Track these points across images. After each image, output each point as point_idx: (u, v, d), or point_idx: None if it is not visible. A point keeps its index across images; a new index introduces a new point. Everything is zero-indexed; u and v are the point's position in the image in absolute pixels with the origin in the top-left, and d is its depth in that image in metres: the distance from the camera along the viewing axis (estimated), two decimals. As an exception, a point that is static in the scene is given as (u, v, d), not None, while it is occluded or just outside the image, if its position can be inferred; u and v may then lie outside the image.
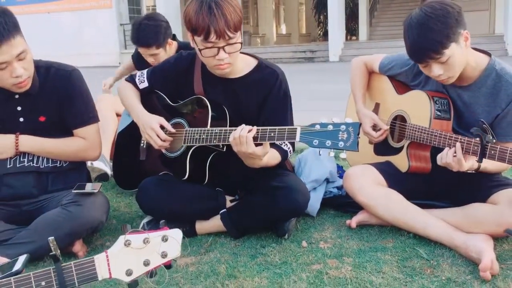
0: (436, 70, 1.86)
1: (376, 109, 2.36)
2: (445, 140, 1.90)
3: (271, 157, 1.99)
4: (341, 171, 2.57)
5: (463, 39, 1.84)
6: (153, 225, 2.10)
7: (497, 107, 1.93)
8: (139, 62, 3.35)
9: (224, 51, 1.90)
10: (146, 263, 1.21)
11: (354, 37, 21.08)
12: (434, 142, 1.95)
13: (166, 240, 1.22)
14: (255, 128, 1.81)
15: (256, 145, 1.81)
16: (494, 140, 1.73)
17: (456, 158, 1.80)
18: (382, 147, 2.28)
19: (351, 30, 22.00)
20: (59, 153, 2.08)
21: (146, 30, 2.94)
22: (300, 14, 27.57)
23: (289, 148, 2.07)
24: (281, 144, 2.04)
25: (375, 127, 2.22)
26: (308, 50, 16.92)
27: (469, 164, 1.82)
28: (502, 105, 1.92)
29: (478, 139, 1.76)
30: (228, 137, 1.89)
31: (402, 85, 2.24)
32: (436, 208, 2.09)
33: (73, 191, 1.99)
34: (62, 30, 17.97)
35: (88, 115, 2.11)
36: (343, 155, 1.73)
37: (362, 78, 2.39)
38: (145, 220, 2.17)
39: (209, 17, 1.83)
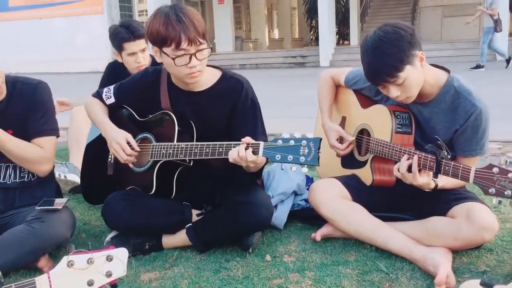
0: (393, 92, 1.89)
1: (342, 123, 2.39)
2: (404, 155, 1.92)
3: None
4: (310, 182, 2.59)
5: (418, 60, 1.87)
6: (118, 241, 2.12)
7: (455, 123, 1.96)
8: (113, 73, 3.33)
9: (196, 58, 1.94)
10: (90, 283, 1.22)
11: (346, 42, 21.15)
12: (395, 157, 1.98)
13: (111, 259, 1.24)
14: (248, 145, 1.81)
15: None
16: (449, 156, 1.76)
17: (412, 171, 1.83)
18: (348, 160, 2.31)
19: (343, 34, 22.10)
20: (18, 154, 2.05)
21: (134, 24, 3.00)
22: (293, 18, 27.65)
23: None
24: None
25: (341, 140, 2.24)
26: (299, 55, 16.97)
27: (425, 180, 1.84)
28: (461, 121, 1.94)
29: (433, 155, 1.79)
30: (195, 152, 1.92)
31: (366, 99, 2.27)
32: (399, 220, 2.12)
33: (37, 207, 2.01)
34: (54, 36, 17.93)
35: (49, 127, 2.12)
36: (304, 169, 1.77)
37: (328, 92, 2.41)
38: (110, 235, 2.18)
39: (180, 25, 1.88)
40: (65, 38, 17.85)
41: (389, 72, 1.83)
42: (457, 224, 1.87)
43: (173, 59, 1.93)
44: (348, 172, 2.29)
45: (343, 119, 2.38)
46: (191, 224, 2.14)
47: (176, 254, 2.12)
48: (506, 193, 1.57)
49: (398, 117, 2.04)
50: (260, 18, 24.21)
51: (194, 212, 2.19)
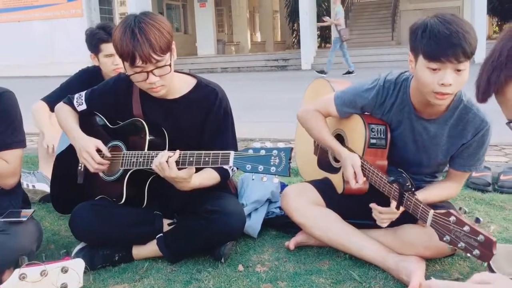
0: (449, 76, 1.67)
1: None
2: (373, 177, 1.91)
3: (206, 178, 1.99)
4: (285, 189, 2.56)
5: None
6: (87, 252, 2.06)
7: (463, 138, 1.89)
8: (87, 80, 3.26)
9: (153, 75, 1.89)
10: (45, 298, 1.18)
11: (328, 45, 21.25)
12: (365, 174, 1.95)
13: (66, 271, 1.19)
14: (177, 152, 1.81)
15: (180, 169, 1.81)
16: (413, 189, 1.72)
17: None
18: (324, 162, 2.29)
19: (325, 38, 22.21)
20: None
21: (112, 26, 2.92)
22: (275, 22, 27.73)
23: (231, 167, 2.06)
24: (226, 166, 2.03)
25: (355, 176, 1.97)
26: (281, 59, 16.99)
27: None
28: (468, 137, 1.88)
29: (397, 186, 1.76)
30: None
31: None
32: (373, 227, 2.10)
33: (0, 219, 1.94)
34: (33, 39, 17.70)
35: (15, 139, 2.03)
36: (276, 180, 1.73)
37: (324, 123, 2.16)
38: (78, 247, 2.12)
39: (133, 42, 1.82)
40: (44, 41, 17.63)
41: (466, 50, 1.63)
42: (428, 233, 1.84)
43: (130, 75, 1.91)
44: (323, 173, 2.27)
45: None
46: (162, 234, 2.09)
47: (146, 265, 2.07)
48: (459, 245, 1.53)
49: (373, 130, 1.98)
50: (242, 21, 24.23)
51: (166, 221, 2.14)
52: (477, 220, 1.53)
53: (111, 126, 2.18)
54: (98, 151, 2.04)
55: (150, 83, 1.90)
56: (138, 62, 1.84)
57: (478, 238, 1.49)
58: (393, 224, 2.03)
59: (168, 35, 1.88)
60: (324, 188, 2.17)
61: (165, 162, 1.79)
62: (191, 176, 1.84)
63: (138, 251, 2.12)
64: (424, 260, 1.89)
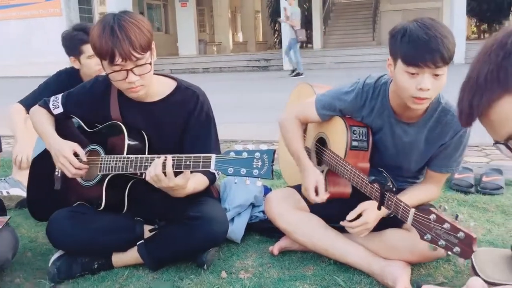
0: (427, 81, 1.66)
1: (304, 127, 2.34)
2: (355, 178, 1.89)
3: (198, 183, 1.94)
4: (268, 193, 2.52)
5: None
6: (65, 260, 2.00)
7: (441, 139, 1.89)
8: (68, 79, 3.19)
9: (133, 73, 1.84)
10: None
11: (309, 45, 21.31)
12: (347, 177, 1.93)
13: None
14: (169, 158, 1.75)
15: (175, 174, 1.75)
16: (394, 189, 1.71)
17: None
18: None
19: (307, 38, 22.23)
20: None
21: (89, 25, 2.83)
22: (257, 22, 27.71)
23: (216, 171, 2.01)
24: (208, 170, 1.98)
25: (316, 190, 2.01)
26: (262, 59, 16.97)
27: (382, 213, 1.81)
28: (446, 138, 1.88)
29: (378, 186, 1.74)
30: (146, 165, 1.83)
31: None
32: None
33: (-26, 228, 1.87)
34: (11, 39, 17.36)
35: None
36: (259, 183, 1.70)
37: (300, 134, 2.16)
38: (56, 255, 2.05)
39: (112, 40, 1.77)
40: (22, 41, 17.31)
41: (444, 55, 1.63)
42: (413, 238, 1.82)
43: (109, 74, 1.85)
44: None
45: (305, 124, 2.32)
46: (143, 241, 2.04)
47: (127, 273, 2.02)
48: (440, 243, 1.52)
49: (355, 132, 1.96)
50: (224, 21, 24.14)
51: (147, 228, 2.09)
52: (456, 217, 1.53)
53: (88, 130, 2.12)
54: (75, 155, 1.98)
55: (130, 82, 1.85)
56: (118, 60, 1.79)
57: (458, 235, 1.48)
58: (378, 228, 2.02)
59: (148, 34, 1.84)
60: (308, 192, 2.14)
61: (161, 173, 1.72)
62: (187, 181, 1.79)
63: (118, 259, 2.06)
64: (409, 265, 1.88)
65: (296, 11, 12.80)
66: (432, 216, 1.54)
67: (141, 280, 1.97)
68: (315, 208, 2.10)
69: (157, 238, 2.02)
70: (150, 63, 1.88)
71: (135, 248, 2.04)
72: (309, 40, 21.76)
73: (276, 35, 23.86)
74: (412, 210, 1.62)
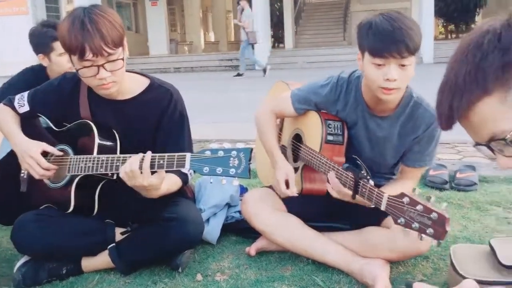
0: (393, 72, 1.68)
1: (281, 124, 2.30)
2: (329, 169, 1.85)
3: (171, 184, 1.87)
4: (244, 193, 2.47)
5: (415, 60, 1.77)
6: (31, 266, 1.90)
7: (413, 133, 1.88)
8: (35, 77, 3.06)
9: (104, 69, 1.76)
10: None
11: (281, 45, 21.36)
12: (321, 169, 1.90)
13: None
14: (148, 155, 1.67)
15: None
16: (368, 177, 1.68)
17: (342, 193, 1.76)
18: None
19: (278, 37, 22.30)
20: None
21: (58, 22, 2.71)
22: (228, 21, 27.60)
23: (189, 171, 1.95)
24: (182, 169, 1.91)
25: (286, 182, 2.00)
26: (234, 58, 16.87)
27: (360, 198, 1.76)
28: (419, 131, 1.87)
29: (352, 174, 1.71)
30: (117, 165, 1.75)
31: None
32: (335, 230, 2.05)
33: None
34: (-26, 38, 16.85)
35: None
36: (235, 182, 1.64)
37: (275, 128, 2.15)
38: (22, 260, 1.95)
39: (83, 34, 1.69)
40: (-14, 40, 16.81)
41: (409, 45, 1.65)
42: (392, 236, 1.81)
43: (78, 69, 1.76)
44: None
45: (281, 121, 2.28)
46: (114, 244, 1.96)
47: (97, 278, 1.93)
48: (413, 225, 1.49)
49: (330, 126, 1.95)
50: (195, 20, 23.99)
51: (118, 230, 2.00)
52: (428, 198, 1.51)
53: (56, 129, 2.02)
54: (44, 154, 1.89)
55: (101, 78, 1.77)
56: (88, 55, 1.70)
57: (431, 216, 1.45)
58: (355, 226, 2.00)
59: (120, 29, 1.76)
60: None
61: (137, 169, 1.64)
62: (162, 181, 1.71)
63: (88, 263, 1.97)
64: (388, 263, 1.85)
65: (248, 13, 12.84)
66: (405, 199, 1.52)
67: (113, 285, 1.89)
68: (292, 208, 2.06)
69: (129, 241, 1.94)
70: (123, 59, 1.80)
71: (106, 251, 1.95)
72: (281, 40, 21.83)
73: (248, 35, 23.82)
74: (386, 195, 1.59)
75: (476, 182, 2.86)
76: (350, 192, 1.72)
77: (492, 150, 0.85)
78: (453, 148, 4.01)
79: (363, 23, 1.76)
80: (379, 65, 1.70)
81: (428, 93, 1.90)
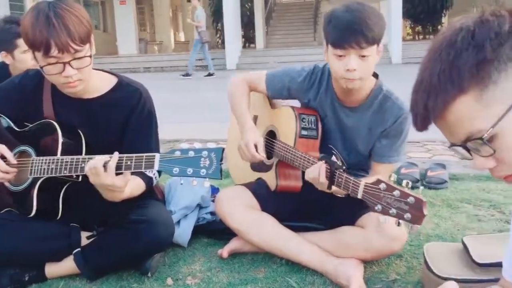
0: (353, 62, 1.71)
1: (255, 121, 2.25)
2: (308, 164, 1.82)
3: (134, 187, 1.80)
4: (216, 193, 2.41)
5: (378, 51, 1.78)
6: (-10, 274, 1.81)
7: (381, 126, 1.89)
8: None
9: (71, 67, 1.67)
10: None
11: (252, 45, 21.34)
12: (297, 163, 1.87)
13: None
14: (116, 155, 1.60)
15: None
16: (344, 167, 1.66)
17: (319, 181, 1.72)
18: (256, 163, 2.18)
19: (249, 38, 22.27)
20: None
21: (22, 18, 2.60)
22: (199, 21, 27.42)
23: (154, 174, 1.89)
24: (151, 171, 1.85)
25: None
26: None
27: (335, 188, 1.74)
28: (387, 124, 1.87)
29: (328, 165, 1.69)
30: (82, 167, 1.67)
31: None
32: (310, 230, 2.02)
33: None
34: None
35: None
36: (206, 183, 1.59)
37: (246, 98, 2.12)
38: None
39: (48, 29, 1.60)
40: None
41: (367, 34, 1.67)
42: (367, 235, 1.80)
43: (43, 66, 1.68)
44: (256, 174, 2.16)
45: (255, 118, 2.24)
46: (79, 249, 1.87)
47: (62, 284, 1.85)
48: (391, 211, 1.47)
49: (304, 120, 1.94)
50: (165, 20, 23.72)
51: (84, 234, 1.92)
52: (407, 184, 1.49)
53: (17, 129, 1.92)
54: (2, 157, 1.79)
55: (66, 76, 1.68)
56: (54, 52, 1.62)
57: (408, 200, 1.44)
58: (330, 226, 1.97)
59: (87, 24, 1.68)
60: (258, 190, 2.07)
61: (101, 167, 1.57)
62: (127, 183, 1.64)
63: (52, 269, 1.89)
64: (362, 263, 1.84)
65: (200, 12, 12.86)
66: (382, 185, 1.50)
67: (78, 291, 1.81)
68: (266, 206, 2.03)
69: (96, 245, 1.87)
70: (90, 56, 1.72)
71: (71, 257, 1.87)
72: (251, 40, 21.81)
73: (218, 35, 23.71)
74: (362, 183, 1.58)
75: (447, 180, 2.88)
76: (327, 182, 1.68)
77: (468, 150, 0.83)
78: (423, 146, 4.05)
79: (326, 14, 1.79)
80: (340, 56, 1.74)
81: (398, 93, 1.90)
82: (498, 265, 1.56)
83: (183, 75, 12.97)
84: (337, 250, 1.86)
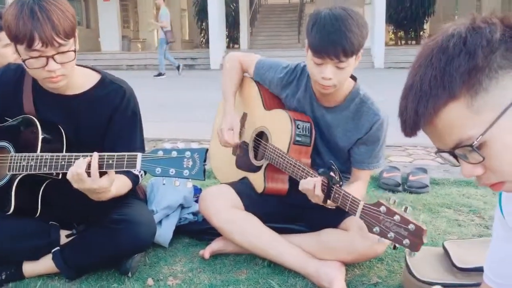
0: (328, 72, 1.73)
1: (243, 119, 2.25)
2: (298, 172, 1.82)
3: (121, 186, 1.77)
4: (198, 194, 2.40)
5: (358, 57, 1.78)
6: (-35, 272, 1.76)
7: (357, 132, 1.89)
8: None
9: (54, 61, 1.64)
10: None
11: (236, 45, 21.32)
12: (289, 170, 1.87)
13: None
14: (96, 155, 1.57)
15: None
16: (340, 183, 1.66)
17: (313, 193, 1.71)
18: (243, 161, 2.17)
19: (233, 38, 22.26)
20: None
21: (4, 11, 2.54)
22: (183, 20, 27.26)
23: (140, 172, 1.86)
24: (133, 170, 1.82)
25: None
26: (188, 57, 16.73)
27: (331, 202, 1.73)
28: (363, 131, 1.88)
29: (326, 179, 1.69)
30: (62, 164, 1.64)
31: (272, 99, 2.13)
32: (293, 232, 2.02)
33: None
34: None
35: None
36: (189, 184, 1.57)
37: (236, 76, 2.20)
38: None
39: (32, 22, 1.56)
40: None
41: (346, 49, 1.68)
42: (350, 238, 1.80)
43: (25, 60, 1.64)
44: (242, 174, 2.15)
45: (244, 115, 2.23)
46: (58, 247, 1.84)
47: (39, 283, 1.81)
48: (389, 235, 1.49)
49: (299, 127, 1.93)
50: (149, 18, 23.48)
51: (63, 233, 1.89)
52: (405, 209, 1.50)
53: (-4, 125, 1.88)
54: None
55: (49, 70, 1.65)
56: (37, 45, 1.58)
57: (409, 227, 1.46)
58: (313, 228, 1.97)
59: (72, 18, 1.65)
60: (243, 190, 2.06)
61: (84, 172, 1.54)
62: (112, 183, 1.62)
63: (30, 268, 1.85)
64: (344, 265, 1.84)
65: (164, 13, 12.83)
66: (382, 208, 1.51)
67: (56, 291, 1.77)
68: (250, 207, 2.02)
69: (76, 244, 1.83)
70: (74, 51, 1.69)
71: (50, 255, 1.84)
72: (236, 40, 21.79)
73: (203, 34, 23.65)
74: (362, 203, 1.58)
75: (428, 184, 2.90)
76: (322, 196, 1.68)
77: (455, 157, 0.82)
78: (404, 151, 4.08)
79: (311, 15, 1.80)
80: (317, 64, 1.76)
81: (380, 96, 1.91)
82: (479, 269, 1.59)
83: (156, 75, 12.93)
84: (320, 252, 1.85)
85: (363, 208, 1.57)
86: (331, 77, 1.74)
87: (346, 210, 1.63)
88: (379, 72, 12.33)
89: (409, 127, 0.83)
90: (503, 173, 0.81)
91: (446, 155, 0.84)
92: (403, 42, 22.32)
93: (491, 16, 0.78)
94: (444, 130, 0.80)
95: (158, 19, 12.90)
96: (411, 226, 1.45)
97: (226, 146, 2.08)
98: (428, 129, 0.82)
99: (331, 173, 1.64)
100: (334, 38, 1.67)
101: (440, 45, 0.79)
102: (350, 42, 1.67)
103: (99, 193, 1.64)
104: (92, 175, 1.56)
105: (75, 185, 1.59)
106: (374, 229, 1.52)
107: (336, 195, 1.65)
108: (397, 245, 1.49)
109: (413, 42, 21.30)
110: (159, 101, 7.58)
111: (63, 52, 1.65)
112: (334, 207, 1.72)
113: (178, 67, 13.03)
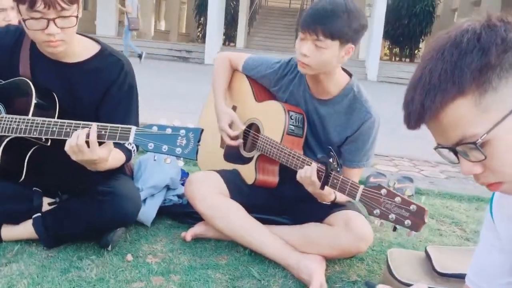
0: (305, 48, 1.75)
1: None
2: (293, 160, 1.82)
3: (116, 158, 1.75)
4: (185, 177, 2.38)
5: (345, 51, 1.77)
6: None
7: (348, 129, 1.90)
8: None
9: (55, 25, 1.61)
10: None
11: (232, 44, 21.29)
12: (283, 160, 1.86)
13: None
14: (94, 126, 1.55)
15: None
16: (338, 169, 1.67)
17: (311, 180, 1.71)
18: (232, 154, 2.16)
19: (230, 36, 22.22)
20: None
21: None
22: (181, 13, 27.20)
23: (133, 147, 1.84)
24: (125, 143, 1.80)
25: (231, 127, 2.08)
26: (184, 50, 16.66)
27: (327, 190, 1.73)
28: (354, 128, 1.88)
29: (323, 165, 1.69)
30: (53, 131, 1.62)
31: (263, 91, 2.13)
32: (277, 223, 2.01)
33: None
34: None
35: None
36: (180, 162, 1.56)
37: (224, 74, 2.22)
38: None
39: None
40: None
41: (326, 29, 1.70)
42: (334, 233, 1.80)
43: (25, 20, 1.60)
44: (231, 166, 2.14)
45: (234, 108, 2.22)
46: (40, 214, 1.81)
47: (17, 248, 1.78)
48: (390, 216, 1.50)
49: (292, 117, 1.93)
50: (147, 7, 23.34)
51: (46, 200, 1.86)
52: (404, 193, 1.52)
53: (-12, 84, 1.84)
54: None
55: (49, 34, 1.62)
56: (39, 6, 1.55)
57: (410, 208, 1.48)
58: (297, 221, 1.97)
59: None
60: (231, 179, 2.04)
61: (84, 143, 1.52)
62: (110, 153, 1.59)
63: (8, 231, 1.82)
64: (324, 260, 1.84)
65: None
66: (383, 191, 1.53)
67: (33, 257, 1.74)
68: (236, 195, 2.00)
69: (58, 213, 1.81)
70: (76, 17, 1.66)
71: (30, 221, 1.81)
72: (232, 39, 21.76)
73: (200, 29, 23.56)
74: (361, 187, 1.59)
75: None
76: (318, 182, 1.68)
77: (455, 154, 0.82)
78: (391, 161, 4.11)
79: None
80: (301, 39, 1.78)
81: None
82: (459, 276, 1.61)
83: (140, 60, 12.71)
84: (302, 245, 1.85)
85: (363, 191, 1.58)
86: (306, 53, 1.75)
87: (345, 194, 1.64)
88: (371, 85, 12.41)
89: (414, 120, 0.82)
90: (503, 173, 0.80)
91: (445, 151, 0.83)
92: (397, 58, 22.51)
93: (507, 15, 0.78)
94: (449, 125, 0.79)
95: (126, 4, 12.78)
96: (412, 207, 1.47)
97: (234, 140, 2.06)
98: (432, 123, 0.81)
99: (330, 159, 1.64)
100: (318, 15, 1.72)
101: (454, 39, 0.78)
102: (332, 24, 1.70)
103: (96, 164, 1.62)
104: (91, 146, 1.54)
105: (74, 157, 1.57)
106: (375, 212, 1.53)
107: (335, 181, 1.66)
108: (397, 226, 1.50)
109: (407, 60, 21.49)
110: (150, 90, 7.52)
111: (64, 17, 1.62)
112: (327, 200, 1.72)
113: (140, 56, 12.82)
